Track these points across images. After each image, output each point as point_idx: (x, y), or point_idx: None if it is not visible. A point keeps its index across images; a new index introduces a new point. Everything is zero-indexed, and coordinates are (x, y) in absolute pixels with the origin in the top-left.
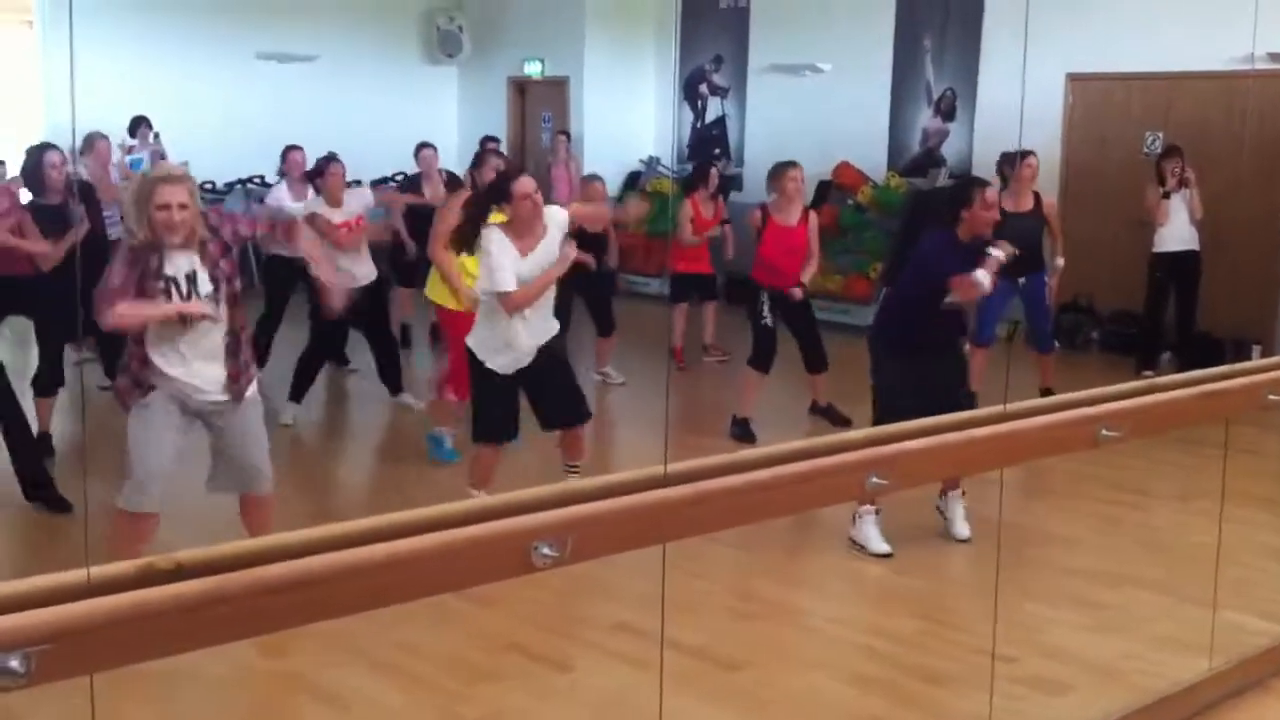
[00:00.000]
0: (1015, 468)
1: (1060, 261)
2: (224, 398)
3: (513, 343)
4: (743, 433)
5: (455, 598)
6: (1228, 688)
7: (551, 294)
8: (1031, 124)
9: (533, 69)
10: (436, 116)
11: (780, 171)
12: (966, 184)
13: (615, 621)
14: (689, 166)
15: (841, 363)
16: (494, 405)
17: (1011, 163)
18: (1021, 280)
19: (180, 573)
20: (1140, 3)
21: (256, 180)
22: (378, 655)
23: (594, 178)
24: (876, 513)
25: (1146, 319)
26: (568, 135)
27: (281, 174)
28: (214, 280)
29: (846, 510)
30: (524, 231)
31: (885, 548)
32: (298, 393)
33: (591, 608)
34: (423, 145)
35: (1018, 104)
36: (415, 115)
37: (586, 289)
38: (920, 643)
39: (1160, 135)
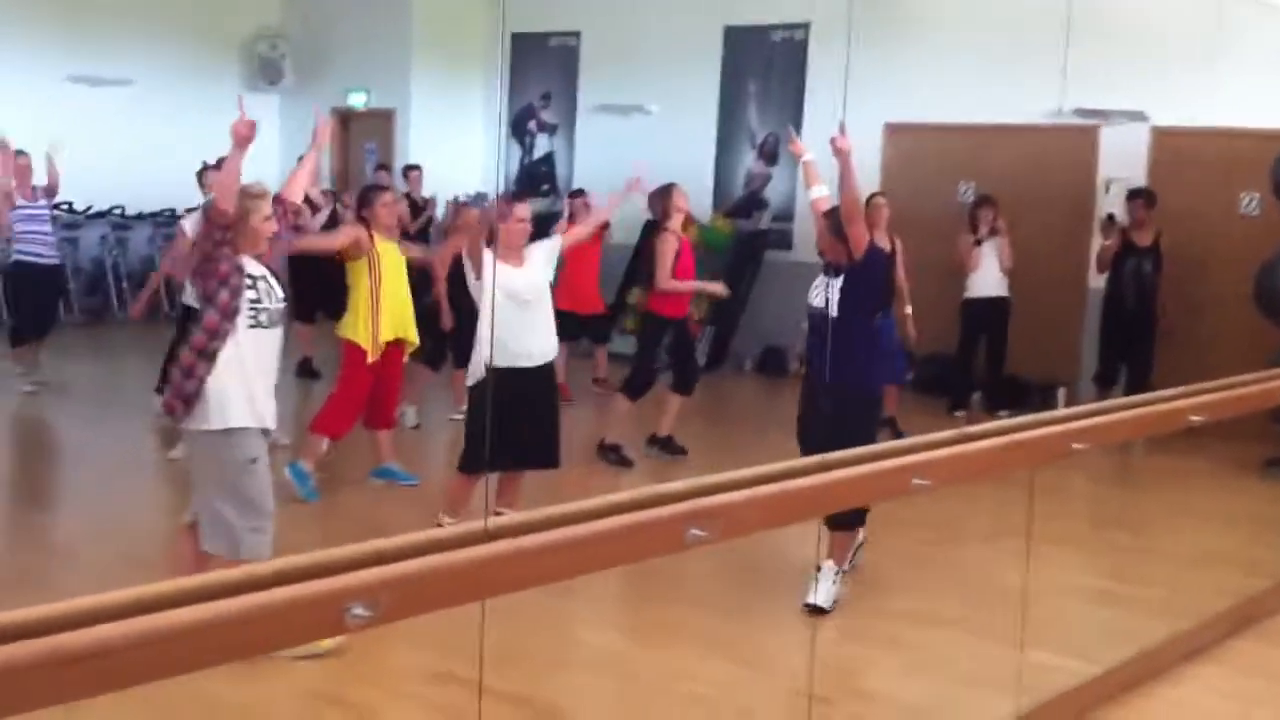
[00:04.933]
0: None
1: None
2: None
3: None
4: (620, 459)
5: None
6: None
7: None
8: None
9: (357, 100)
10: (257, 144)
11: (669, 190)
12: None
13: (433, 671)
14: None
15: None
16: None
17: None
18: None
19: None
20: (955, 58)
21: (64, 206)
22: (185, 711)
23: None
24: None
25: (957, 362)
26: (388, 169)
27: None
28: None
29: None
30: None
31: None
32: None
33: (409, 656)
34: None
35: None
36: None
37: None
38: (741, 687)
39: (973, 185)
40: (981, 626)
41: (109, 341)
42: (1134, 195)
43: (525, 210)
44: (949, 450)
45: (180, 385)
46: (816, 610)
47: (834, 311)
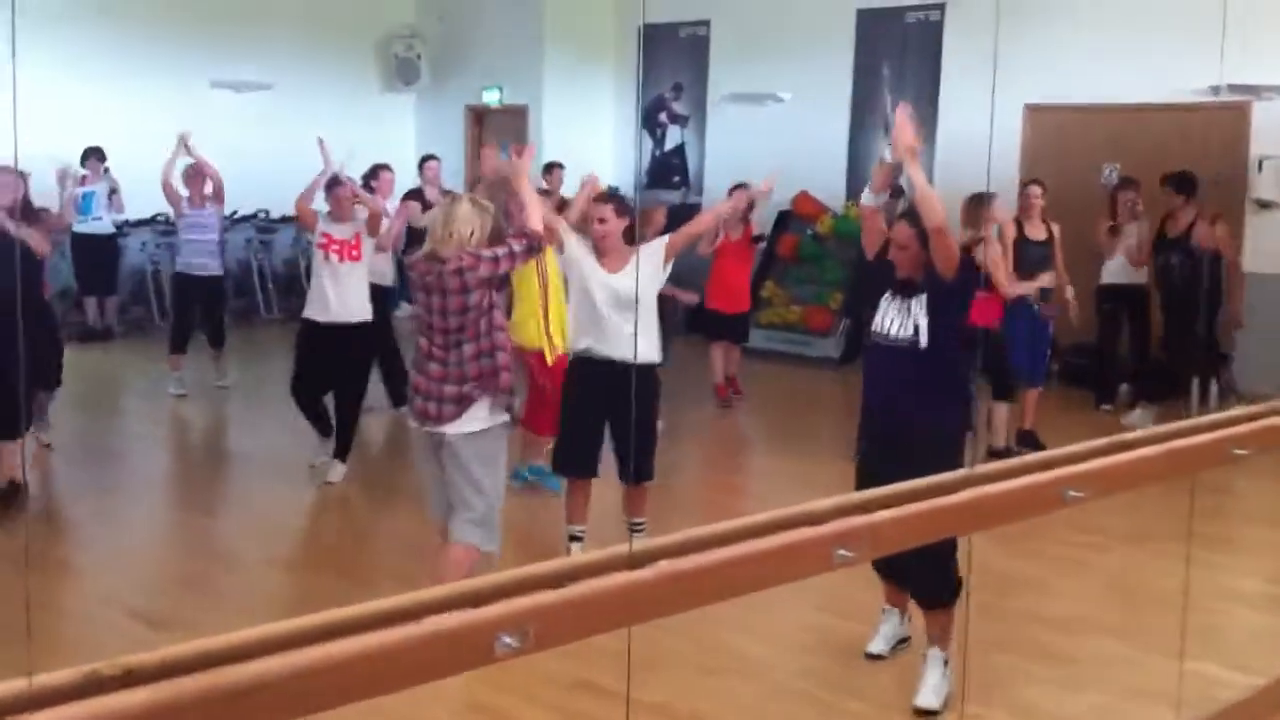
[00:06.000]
0: None
1: (1070, 291)
2: None
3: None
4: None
5: None
6: None
7: (653, 308)
8: (991, 154)
9: (491, 97)
10: (394, 144)
11: (988, 199)
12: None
13: (575, 679)
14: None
15: (799, 397)
16: (576, 435)
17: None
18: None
19: (129, 679)
20: (1097, 36)
21: None
22: (334, 717)
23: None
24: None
25: (1099, 351)
26: None
27: (371, 189)
28: None
29: None
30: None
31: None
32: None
33: (551, 664)
34: (427, 158)
35: (975, 133)
36: (373, 143)
37: None
38: (887, 697)
39: (1117, 167)
40: (1138, 634)
41: (256, 342)
42: (1164, 180)
43: (605, 210)
44: (1102, 461)
45: (499, 385)
46: (927, 713)
47: (924, 340)
